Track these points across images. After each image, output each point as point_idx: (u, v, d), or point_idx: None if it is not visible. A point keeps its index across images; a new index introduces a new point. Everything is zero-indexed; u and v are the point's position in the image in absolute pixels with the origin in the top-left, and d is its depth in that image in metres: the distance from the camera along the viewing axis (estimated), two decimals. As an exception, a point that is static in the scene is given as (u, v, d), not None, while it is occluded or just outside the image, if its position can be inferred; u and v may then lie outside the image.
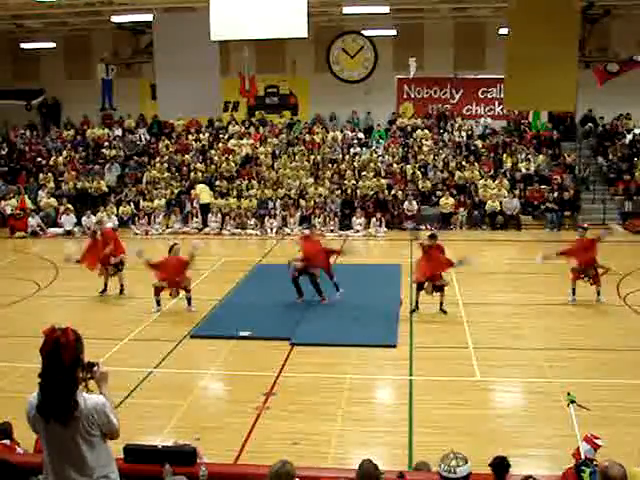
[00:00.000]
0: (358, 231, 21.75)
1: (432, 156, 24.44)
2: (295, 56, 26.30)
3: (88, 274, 14.72)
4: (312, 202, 22.68)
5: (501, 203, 22.25)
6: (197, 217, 22.76)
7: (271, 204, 22.94)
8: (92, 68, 24.20)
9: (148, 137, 26.89)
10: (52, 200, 23.70)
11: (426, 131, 25.76)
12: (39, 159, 25.88)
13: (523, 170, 23.65)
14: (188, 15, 15.09)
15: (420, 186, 23.35)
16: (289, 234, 21.54)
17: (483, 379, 9.78)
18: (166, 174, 24.80)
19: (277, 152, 25.60)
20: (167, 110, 13.64)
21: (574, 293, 13.38)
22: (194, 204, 23.00)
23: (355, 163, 24.64)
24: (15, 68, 27.31)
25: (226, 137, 26.43)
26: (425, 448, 7.51)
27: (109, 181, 24.82)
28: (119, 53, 22.17)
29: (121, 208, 23.31)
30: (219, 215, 22.64)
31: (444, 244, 13.73)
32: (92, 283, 14.90)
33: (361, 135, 26.46)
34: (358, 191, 23.22)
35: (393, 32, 24.47)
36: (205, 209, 22.98)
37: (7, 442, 5.98)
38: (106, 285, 14.55)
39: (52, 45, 26.13)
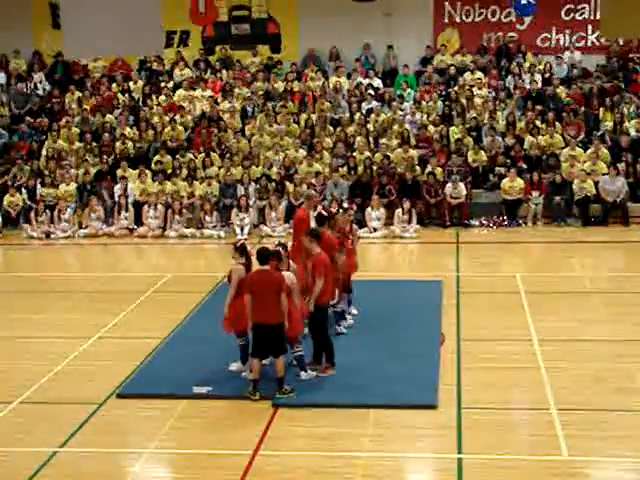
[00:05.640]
0: (375, 229, 21.67)
1: (488, 113, 24.40)
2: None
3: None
4: (304, 186, 22.61)
5: (597, 184, 22.24)
6: (126, 211, 22.70)
7: (241, 190, 22.89)
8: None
9: (48, 87, 26.85)
10: None
11: (479, 74, 25.72)
12: None
13: (632, 133, 23.62)
14: None
15: (471, 160, 23.32)
16: (270, 235, 21.45)
17: (574, 458, 9.70)
18: (78, 144, 24.74)
19: (249, 110, 25.54)
20: (77, 45, 13.49)
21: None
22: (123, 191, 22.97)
23: (370, 126, 24.57)
24: None
25: (170, 87, 26.33)
26: None
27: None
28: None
29: (7, 197, 23.22)
30: (160, 208, 22.58)
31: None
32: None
33: (379, 82, 26.37)
34: (374, 168, 23.19)
35: None
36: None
37: None
38: None
39: None
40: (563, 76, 25.78)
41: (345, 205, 16.63)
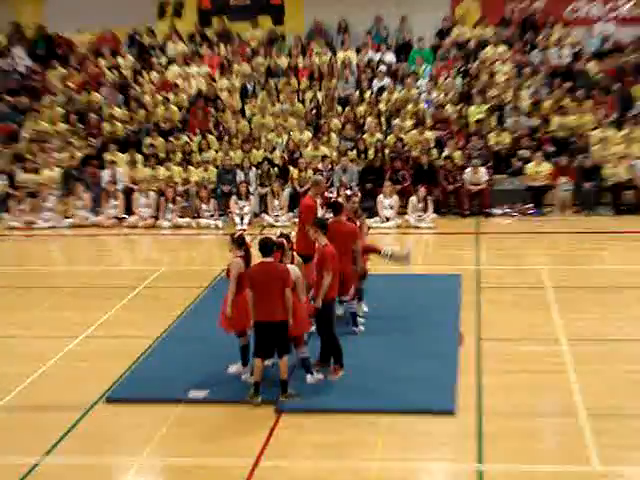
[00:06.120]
0: (388, 219, 21.67)
1: (512, 91, 24.39)
2: None
3: None
4: (310, 172, 22.62)
5: (632, 167, 22.20)
6: (115, 199, 22.74)
7: (241, 175, 22.91)
8: None
9: (29, 63, 26.85)
10: None
11: (502, 48, 25.68)
12: None
13: (668, 112, 23.66)
14: None
15: (492, 142, 23.32)
16: (272, 225, 21.47)
17: (606, 469, 9.67)
18: (62, 126, 24.79)
19: (250, 88, 25.56)
20: (61, 18, 13.55)
21: None
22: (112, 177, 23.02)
23: (382, 105, 24.58)
24: None
25: (163, 62, 26.34)
26: None
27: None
28: None
29: (-14, 184, 23.36)
30: (152, 195, 22.61)
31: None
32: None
33: (391, 57, 26.35)
34: (387, 152, 23.18)
35: None
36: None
37: None
38: None
39: None
40: (594, 50, 25.69)
41: (348, 192, 16.46)
